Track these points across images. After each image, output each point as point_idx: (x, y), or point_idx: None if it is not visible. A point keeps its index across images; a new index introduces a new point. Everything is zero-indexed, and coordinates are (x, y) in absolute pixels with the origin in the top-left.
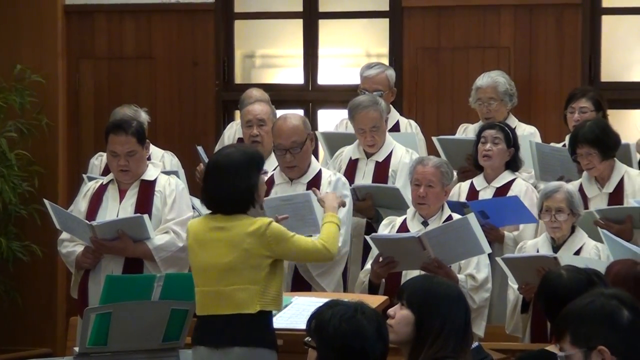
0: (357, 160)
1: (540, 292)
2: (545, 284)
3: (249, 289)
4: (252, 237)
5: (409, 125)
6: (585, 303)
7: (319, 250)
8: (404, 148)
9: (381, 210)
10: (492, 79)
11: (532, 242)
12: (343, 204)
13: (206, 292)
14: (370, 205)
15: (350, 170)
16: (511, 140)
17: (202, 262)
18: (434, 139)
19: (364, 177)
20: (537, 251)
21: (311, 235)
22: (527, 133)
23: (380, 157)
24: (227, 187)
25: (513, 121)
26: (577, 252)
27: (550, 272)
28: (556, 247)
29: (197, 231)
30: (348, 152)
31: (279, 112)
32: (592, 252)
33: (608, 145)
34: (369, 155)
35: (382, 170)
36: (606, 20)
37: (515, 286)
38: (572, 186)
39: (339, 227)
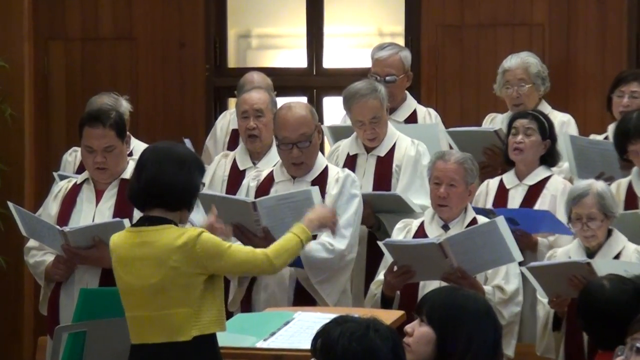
0: (355, 155)
1: (580, 306)
2: (585, 297)
3: (181, 313)
4: (179, 252)
5: (427, 115)
6: None
7: (258, 259)
8: (409, 139)
9: (384, 216)
10: (522, 59)
11: (563, 250)
12: (332, 225)
13: (135, 317)
14: (369, 212)
15: (349, 168)
16: (546, 131)
17: (127, 284)
18: (445, 131)
19: (365, 174)
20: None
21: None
22: (559, 121)
23: (382, 151)
24: (168, 177)
25: (545, 108)
26: (616, 258)
27: (591, 283)
28: (590, 255)
29: (119, 249)
30: (345, 147)
31: (280, 101)
32: (633, 257)
33: None
34: (369, 150)
35: (384, 167)
36: None
37: (545, 300)
38: (602, 185)
39: (303, 245)
